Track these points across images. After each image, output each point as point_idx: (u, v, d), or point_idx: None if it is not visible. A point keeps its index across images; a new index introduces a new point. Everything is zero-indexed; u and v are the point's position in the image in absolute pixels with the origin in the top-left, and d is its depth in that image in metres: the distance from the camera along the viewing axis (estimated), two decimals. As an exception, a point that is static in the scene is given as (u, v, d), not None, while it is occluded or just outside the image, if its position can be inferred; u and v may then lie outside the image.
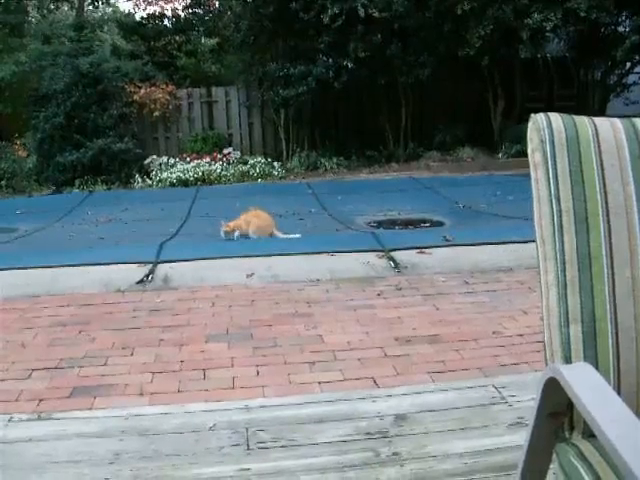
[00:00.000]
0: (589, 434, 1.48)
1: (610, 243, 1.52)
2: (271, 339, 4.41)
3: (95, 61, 14.30)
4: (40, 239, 8.71)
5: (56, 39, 16.79)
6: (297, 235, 7.83)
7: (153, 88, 14.91)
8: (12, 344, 4.45)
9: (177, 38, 17.82)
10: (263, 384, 3.72)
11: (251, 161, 14.24)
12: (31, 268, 6.13)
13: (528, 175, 1.63)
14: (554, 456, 1.54)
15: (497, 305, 4.95)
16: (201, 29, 17.90)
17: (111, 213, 10.24)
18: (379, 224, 9.00)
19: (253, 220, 7.79)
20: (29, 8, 20.88)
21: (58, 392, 3.67)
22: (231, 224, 7.70)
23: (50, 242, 8.41)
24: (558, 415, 1.50)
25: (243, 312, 5.00)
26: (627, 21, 13.87)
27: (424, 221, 9.06)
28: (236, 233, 7.65)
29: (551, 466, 1.57)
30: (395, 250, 6.34)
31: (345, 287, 5.54)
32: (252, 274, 5.86)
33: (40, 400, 3.55)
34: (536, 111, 1.70)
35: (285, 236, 7.75)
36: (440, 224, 8.83)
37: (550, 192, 1.56)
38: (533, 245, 1.62)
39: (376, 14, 13.09)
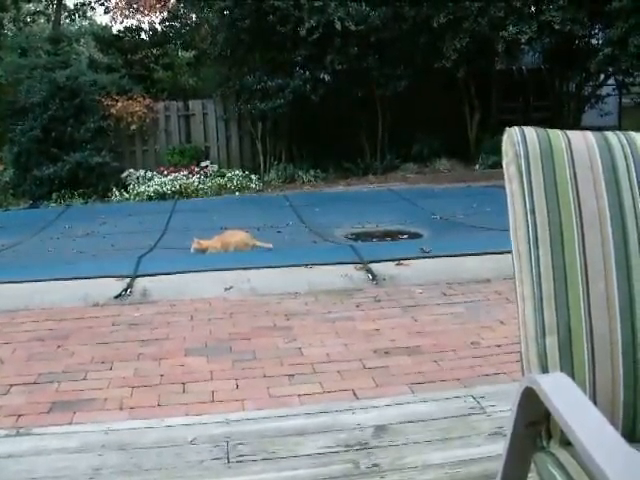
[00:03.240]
0: (566, 442, 1.50)
1: (584, 255, 1.55)
2: (250, 352, 4.41)
3: (72, 74, 14.26)
4: (17, 253, 8.66)
5: (33, 52, 16.75)
6: (269, 245, 7.83)
7: (130, 101, 14.87)
8: (-10, 359, 4.42)
9: (154, 51, 17.80)
10: (243, 397, 3.72)
11: (229, 174, 14.24)
12: (9, 283, 6.10)
13: (505, 186, 1.66)
14: (532, 465, 1.56)
15: (475, 316, 4.98)
16: (178, 42, 17.90)
17: (89, 227, 10.19)
18: (357, 236, 9.02)
19: (233, 238, 7.78)
20: (5, 21, 20.82)
21: (37, 407, 3.65)
22: (203, 242, 7.65)
23: (28, 256, 8.36)
24: (536, 424, 1.52)
25: (222, 325, 5.00)
26: (600, 33, 14.02)
27: (402, 233, 9.09)
28: (207, 252, 7.60)
29: (530, 475, 1.59)
30: (373, 262, 6.35)
31: (323, 299, 5.55)
32: (231, 287, 5.86)
33: (19, 415, 3.54)
34: (512, 122, 1.73)
35: (261, 244, 7.75)
36: (418, 236, 8.87)
37: (525, 205, 1.58)
38: (510, 256, 1.64)
39: (353, 27, 13.15)
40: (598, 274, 1.55)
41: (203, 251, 7.57)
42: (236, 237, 7.81)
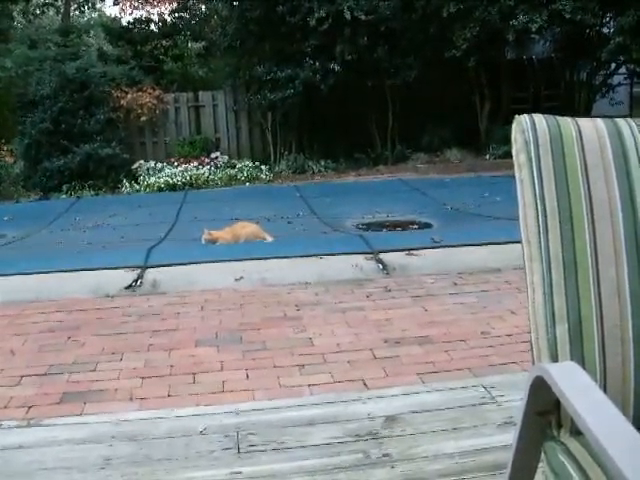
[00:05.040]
0: (576, 432, 1.49)
1: (595, 243, 1.53)
2: (260, 342, 4.41)
3: (82, 66, 14.26)
4: (28, 245, 8.68)
5: (42, 44, 16.75)
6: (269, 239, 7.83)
7: (140, 93, 14.88)
8: (1, 351, 4.44)
9: (164, 42, 17.79)
10: (253, 387, 3.72)
11: (239, 165, 14.25)
12: (20, 274, 6.11)
13: (515, 176, 1.64)
14: (543, 454, 1.55)
15: (486, 305, 4.97)
16: (187, 33, 17.89)
17: (99, 218, 10.21)
18: (367, 226, 9.01)
19: (244, 229, 7.79)
20: (15, 13, 20.84)
21: (48, 398, 3.66)
22: (214, 233, 7.67)
23: (38, 248, 8.38)
24: (546, 414, 1.51)
25: (232, 316, 5.00)
26: (611, 22, 13.91)
27: (412, 223, 9.07)
28: (217, 243, 7.62)
29: (540, 464, 1.58)
30: (383, 252, 6.34)
31: (334, 289, 5.54)
32: (241, 278, 5.86)
33: (30, 406, 3.55)
34: (522, 112, 1.71)
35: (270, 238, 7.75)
36: (428, 226, 8.85)
37: (535, 193, 1.57)
38: (521, 246, 1.63)
39: (362, 17, 13.11)
40: (608, 261, 1.53)
41: (214, 242, 7.58)
42: (247, 229, 7.82)
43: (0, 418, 3.38)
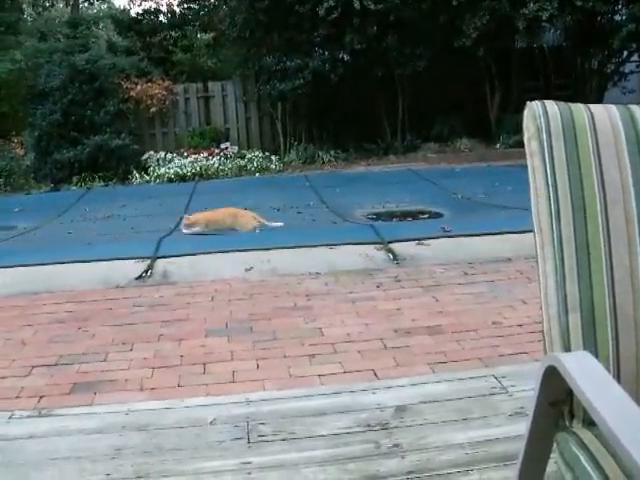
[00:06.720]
0: (589, 422, 1.47)
1: (608, 231, 1.51)
2: (270, 332, 4.40)
3: (91, 58, 14.28)
4: (39, 236, 8.70)
5: (52, 36, 16.78)
6: (280, 223, 7.86)
7: (149, 84, 14.89)
8: (12, 341, 4.44)
9: (173, 33, 17.78)
10: (263, 377, 3.71)
11: (249, 155, 14.25)
12: (30, 265, 6.12)
13: (526, 165, 1.63)
14: (555, 445, 1.53)
15: (496, 295, 4.94)
16: (196, 24, 17.87)
17: (109, 209, 10.23)
18: (377, 216, 9.00)
19: (239, 218, 7.85)
20: (24, 6, 20.87)
21: (58, 388, 3.67)
22: (193, 217, 7.82)
23: (49, 239, 8.40)
24: (558, 404, 1.50)
25: (242, 306, 4.99)
26: (623, 9, 13.82)
27: (422, 213, 9.05)
28: (195, 229, 7.74)
29: (552, 455, 1.56)
30: (394, 242, 6.33)
31: (344, 279, 5.53)
32: (251, 268, 5.85)
33: (41, 397, 3.55)
34: (533, 101, 1.69)
35: (272, 224, 7.77)
36: (438, 215, 8.83)
37: (547, 180, 1.55)
38: (532, 235, 1.61)
39: (372, 6, 13.06)
40: (622, 249, 1.51)
41: (192, 226, 7.73)
42: (240, 215, 7.89)
43: (11, 408, 3.39)
